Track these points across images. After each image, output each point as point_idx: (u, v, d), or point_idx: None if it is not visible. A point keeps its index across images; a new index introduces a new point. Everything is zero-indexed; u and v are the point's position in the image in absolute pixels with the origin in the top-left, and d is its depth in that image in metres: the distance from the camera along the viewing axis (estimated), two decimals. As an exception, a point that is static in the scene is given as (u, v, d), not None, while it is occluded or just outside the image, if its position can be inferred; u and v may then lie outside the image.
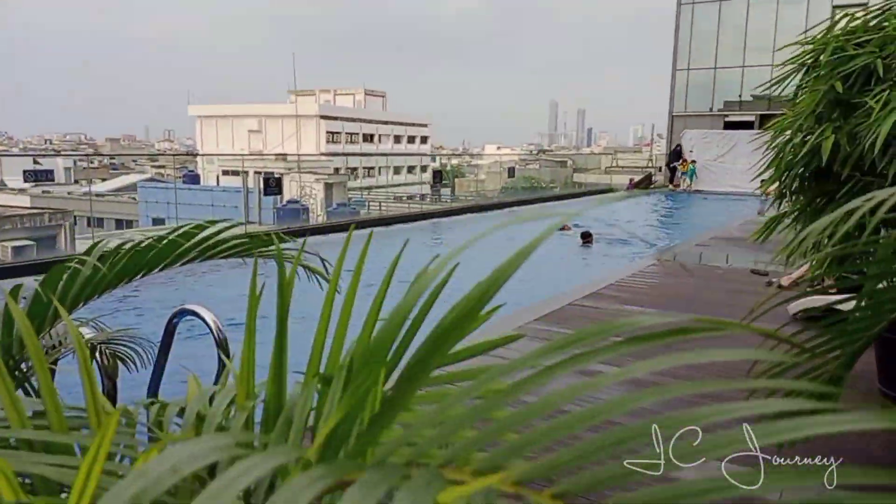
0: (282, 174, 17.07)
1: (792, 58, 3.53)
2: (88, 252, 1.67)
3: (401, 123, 61.26)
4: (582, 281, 7.35)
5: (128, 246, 1.67)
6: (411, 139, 63.16)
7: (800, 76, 3.77)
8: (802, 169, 3.34)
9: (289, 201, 29.05)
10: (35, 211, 18.19)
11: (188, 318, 2.97)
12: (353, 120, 55.21)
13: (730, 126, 27.87)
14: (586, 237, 13.41)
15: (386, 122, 59.59)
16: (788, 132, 3.56)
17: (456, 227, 15.97)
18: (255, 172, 35.91)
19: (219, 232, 1.83)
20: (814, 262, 3.62)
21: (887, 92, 2.84)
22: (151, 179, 41.67)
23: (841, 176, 3.36)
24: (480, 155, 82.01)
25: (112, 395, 2.59)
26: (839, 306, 5.48)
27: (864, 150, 3.02)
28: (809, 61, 3.38)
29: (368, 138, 57.45)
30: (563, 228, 14.30)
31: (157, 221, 33.06)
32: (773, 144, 3.44)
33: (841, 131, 3.09)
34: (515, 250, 0.63)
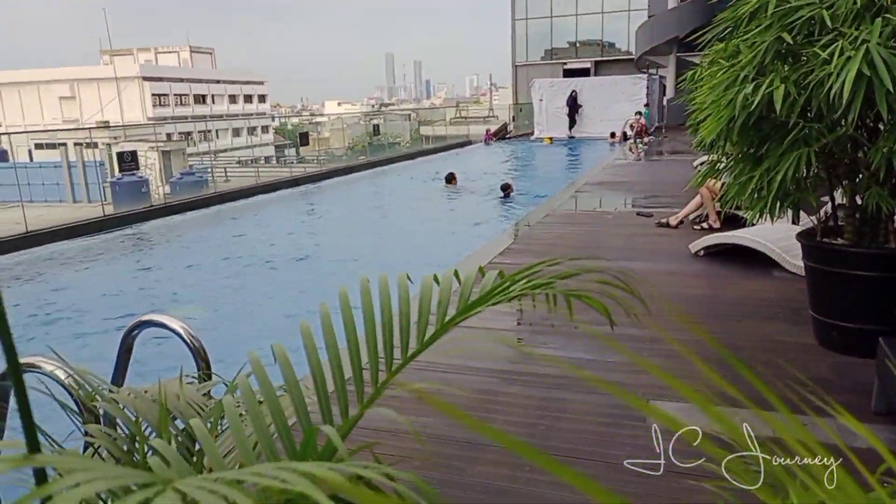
0: (135, 148, 15.25)
1: (731, 6, 3.64)
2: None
3: (235, 82, 57.58)
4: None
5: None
6: (248, 98, 59.72)
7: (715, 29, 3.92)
8: (744, 119, 3.47)
9: (123, 174, 26.44)
10: None
11: (149, 329, 2.58)
12: (182, 80, 50.97)
13: (568, 73, 29.22)
14: (506, 189, 12.53)
15: (218, 81, 55.70)
16: (723, 84, 3.68)
17: (326, 192, 15.41)
18: (76, 144, 32.19)
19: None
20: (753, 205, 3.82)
21: (839, 43, 3.00)
22: (-55, 159, 35.94)
23: (774, 122, 3.56)
24: (322, 114, 79.88)
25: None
26: (732, 241, 5.85)
27: (812, 97, 3.19)
28: (748, 13, 3.49)
29: (200, 99, 53.48)
30: (450, 182, 14.03)
31: (-41, 207, 28.78)
32: (721, 96, 3.54)
33: (788, 81, 3.24)
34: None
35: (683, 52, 26.06)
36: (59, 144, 32.21)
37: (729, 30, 3.84)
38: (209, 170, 30.48)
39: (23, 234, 9.88)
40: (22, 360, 2.34)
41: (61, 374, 2.23)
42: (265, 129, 54.73)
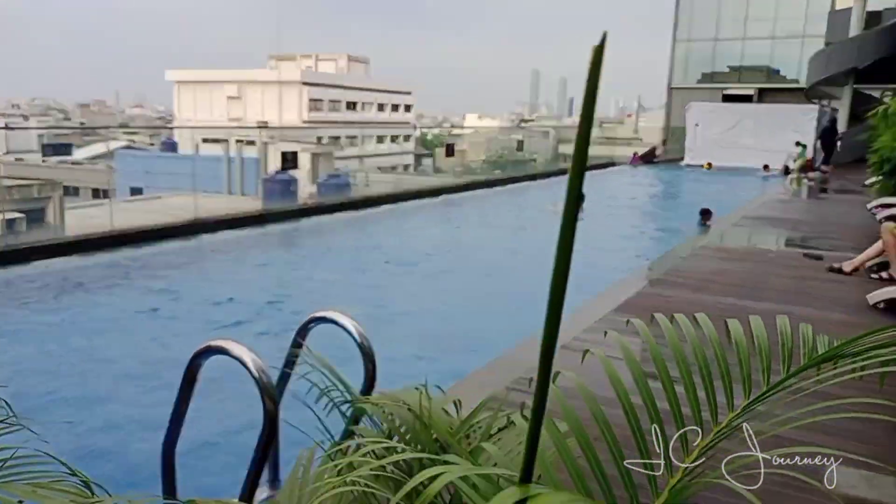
0: (296, 151, 16.17)
1: None
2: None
3: (385, 91, 59.94)
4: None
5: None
6: (395, 107, 61.95)
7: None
8: None
9: (276, 172, 28.11)
10: (23, 182, 17.26)
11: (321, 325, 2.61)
12: (337, 87, 53.82)
13: (728, 99, 27.60)
14: (705, 214, 11.33)
15: (370, 90, 58.25)
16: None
17: (466, 203, 15.47)
18: (237, 141, 34.78)
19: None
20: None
21: None
22: (128, 147, 40.16)
23: None
24: (463, 126, 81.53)
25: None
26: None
27: None
28: None
29: (352, 106, 56.18)
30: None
31: (135, 191, 31.96)
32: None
33: None
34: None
35: (861, 84, 23.72)
36: (223, 140, 35.05)
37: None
38: (353, 174, 31.84)
39: (192, 220, 10.70)
40: (212, 343, 2.36)
41: (249, 361, 2.25)
42: (406, 137, 56.48)
